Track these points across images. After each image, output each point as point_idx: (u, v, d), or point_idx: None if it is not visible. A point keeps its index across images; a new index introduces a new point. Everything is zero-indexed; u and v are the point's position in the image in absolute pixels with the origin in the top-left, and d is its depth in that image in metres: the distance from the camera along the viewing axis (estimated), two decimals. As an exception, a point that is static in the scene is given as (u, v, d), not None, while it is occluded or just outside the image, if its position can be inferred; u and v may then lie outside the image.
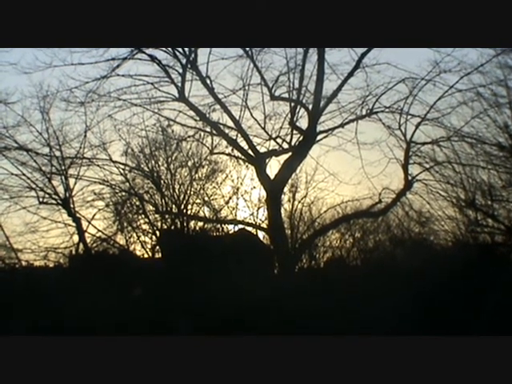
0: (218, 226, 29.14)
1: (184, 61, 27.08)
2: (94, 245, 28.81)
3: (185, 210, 28.59)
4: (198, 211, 29.10)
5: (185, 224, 28.50)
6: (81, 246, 28.48)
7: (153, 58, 27.21)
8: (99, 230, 28.77)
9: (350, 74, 27.00)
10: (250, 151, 27.59)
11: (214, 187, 29.27)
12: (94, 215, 28.98)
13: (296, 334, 19.52)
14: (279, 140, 27.84)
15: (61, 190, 28.76)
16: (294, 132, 27.68)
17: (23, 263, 28.35)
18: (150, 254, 28.67)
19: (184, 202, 28.59)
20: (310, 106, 27.24)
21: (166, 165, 28.89)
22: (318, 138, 27.59)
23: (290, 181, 28.33)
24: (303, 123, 27.52)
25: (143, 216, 28.91)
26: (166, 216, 28.65)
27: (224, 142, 28.34)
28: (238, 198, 29.61)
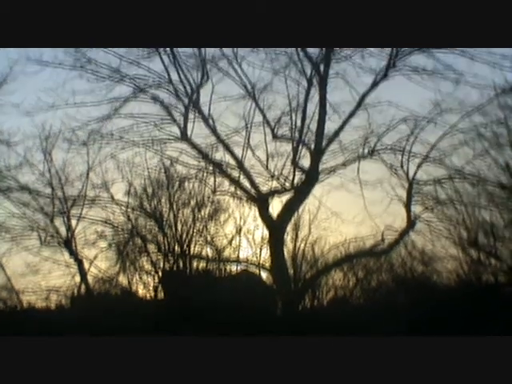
0: (221, 265, 29.00)
1: (186, 101, 27.21)
2: (96, 285, 28.67)
3: (187, 250, 28.50)
4: (201, 251, 29.02)
5: (187, 264, 28.40)
6: (83, 286, 28.34)
7: (155, 98, 27.37)
8: (101, 271, 28.65)
9: (352, 114, 27.18)
10: (252, 190, 27.70)
11: (217, 227, 29.23)
12: (96, 255, 28.87)
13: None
14: (282, 179, 27.95)
15: (63, 230, 28.70)
16: (297, 171, 27.82)
17: (24, 305, 28.20)
18: (153, 294, 28.53)
19: (187, 241, 28.50)
20: (312, 146, 27.37)
21: (168, 204, 28.81)
22: (321, 177, 27.71)
23: (292, 220, 28.32)
24: (305, 162, 27.68)
25: (146, 256, 28.80)
26: (169, 256, 28.54)
27: (226, 182, 28.43)
28: (241, 238, 29.58)
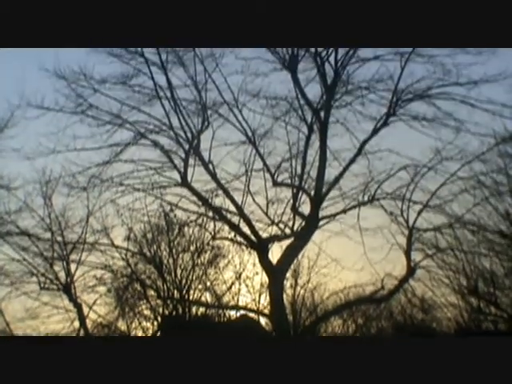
0: (220, 311, 28.98)
1: (187, 146, 27.16)
2: (96, 331, 28.61)
3: (187, 296, 28.49)
4: (200, 297, 29.01)
5: (187, 310, 28.36)
6: (82, 331, 28.26)
7: (155, 144, 27.36)
8: (100, 316, 28.63)
9: (352, 161, 27.09)
10: (252, 236, 27.44)
11: (217, 272, 29.28)
12: (96, 301, 28.91)
13: None
14: (281, 225, 27.67)
15: (62, 275, 28.73)
16: (297, 217, 27.60)
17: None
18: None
19: (186, 287, 28.54)
20: (312, 192, 27.25)
21: (168, 250, 28.89)
22: (321, 223, 27.50)
23: (292, 266, 28.25)
24: (305, 209, 27.51)
25: (145, 301, 28.80)
26: (168, 302, 28.51)
27: (226, 228, 28.30)
28: (241, 284, 29.58)
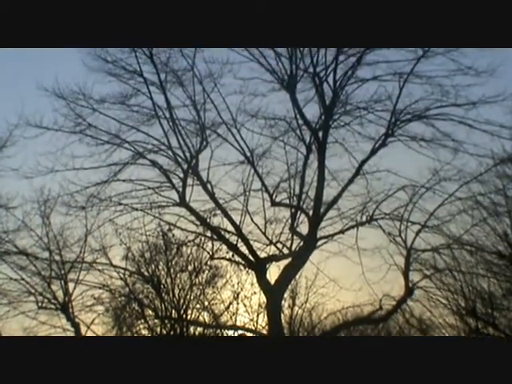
0: (218, 331, 28.92)
1: (185, 166, 27.19)
2: (93, 350, 28.56)
3: (185, 316, 28.42)
4: (198, 316, 28.94)
5: (184, 329, 28.29)
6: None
7: (154, 163, 27.38)
8: (98, 336, 28.54)
9: (351, 181, 27.09)
10: (250, 256, 27.41)
11: (214, 292, 29.20)
12: (94, 320, 28.88)
13: None
14: (280, 245, 27.69)
15: (60, 294, 28.71)
16: (295, 237, 27.60)
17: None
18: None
19: (184, 307, 28.45)
20: (311, 212, 27.25)
21: (166, 269, 28.81)
22: (319, 243, 27.47)
23: (290, 286, 28.21)
24: (303, 229, 27.53)
25: (143, 321, 28.74)
26: (166, 321, 28.44)
27: (224, 247, 28.19)
28: (238, 304, 29.53)
